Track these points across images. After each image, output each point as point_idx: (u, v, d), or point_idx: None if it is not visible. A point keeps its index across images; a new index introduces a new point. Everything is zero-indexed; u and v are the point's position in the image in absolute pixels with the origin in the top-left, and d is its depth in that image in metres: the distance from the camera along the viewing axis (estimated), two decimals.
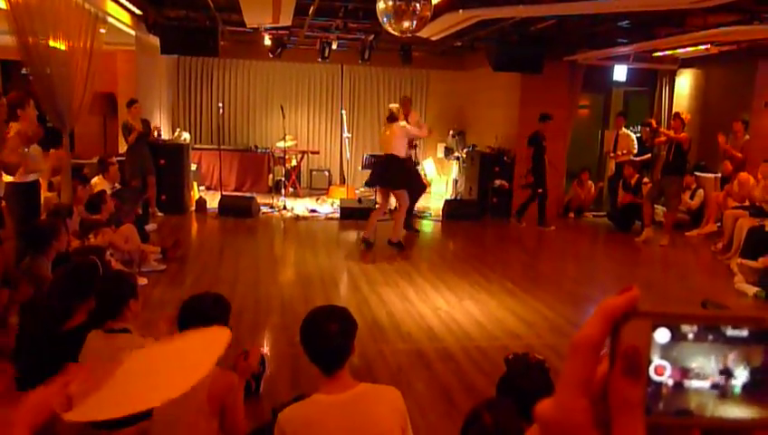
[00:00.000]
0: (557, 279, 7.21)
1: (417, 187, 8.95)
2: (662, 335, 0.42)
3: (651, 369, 0.42)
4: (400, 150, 7.93)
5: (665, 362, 0.42)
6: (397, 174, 7.92)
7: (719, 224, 9.00)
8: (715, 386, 0.41)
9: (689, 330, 0.42)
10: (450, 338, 5.13)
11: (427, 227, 10.03)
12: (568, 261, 8.39)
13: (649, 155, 10.32)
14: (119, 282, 3.06)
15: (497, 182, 10.75)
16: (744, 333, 0.41)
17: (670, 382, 0.41)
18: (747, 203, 8.50)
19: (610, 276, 7.76)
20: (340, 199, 10.78)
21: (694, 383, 0.41)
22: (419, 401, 3.94)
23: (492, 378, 4.38)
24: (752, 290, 6.60)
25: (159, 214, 9.39)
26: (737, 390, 0.41)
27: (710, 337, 0.41)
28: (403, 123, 8.08)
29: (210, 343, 0.95)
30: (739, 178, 8.75)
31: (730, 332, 0.41)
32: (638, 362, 0.41)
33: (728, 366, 0.41)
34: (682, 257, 8.51)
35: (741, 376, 0.41)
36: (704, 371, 0.41)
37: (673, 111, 10.81)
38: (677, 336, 0.42)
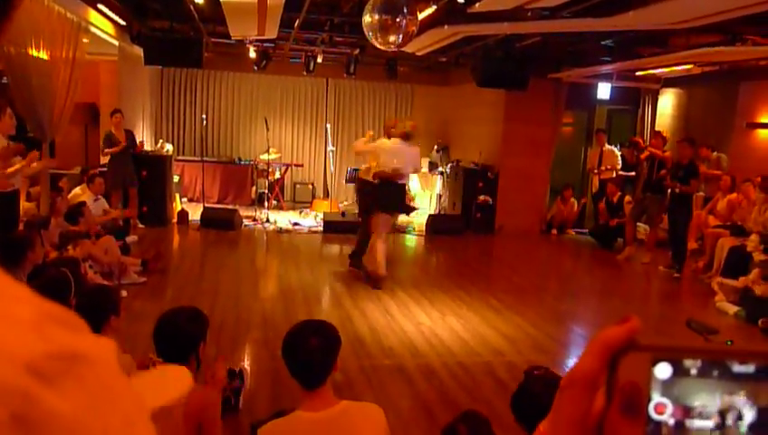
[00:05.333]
0: (540, 296, 7.21)
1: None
2: (663, 371, 0.38)
3: (651, 407, 0.38)
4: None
5: (666, 400, 0.38)
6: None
7: (700, 242, 9.07)
8: (718, 426, 0.38)
9: (692, 365, 0.38)
10: (432, 354, 5.09)
11: (410, 241, 10.01)
12: (551, 278, 8.40)
13: (634, 172, 10.42)
14: (100, 297, 2.98)
15: (481, 198, 10.78)
16: (752, 368, 0.38)
17: (671, 422, 0.38)
18: (729, 223, 8.58)
19: (593, 293, 7.77)
20: (324, 213, 10.74)
21: (696, 423, 0.38)
22: (402, 417, 3.89)
23: (474, 394, 4.35)
24: (732, 309, 6.63)
25: (141, 226, 9.27)
26: (743, 430, 0.38)
27: (714, 373, 0.38)
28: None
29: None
30: (729, 199, 8.84)
31: (737, 367, 0.38)
32: (637, 400, 0.38)
33: (734, 405, 0.38)
34: (664, 275, 8.54)
35: (747, 416, 0.38)
36: (707, 409, 0.38)
37: (654, 130, 10.97)
38: (679, 372, 0.38)
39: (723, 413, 0.38)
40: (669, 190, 8.33)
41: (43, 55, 6.46)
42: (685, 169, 8.12)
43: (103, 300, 2.94)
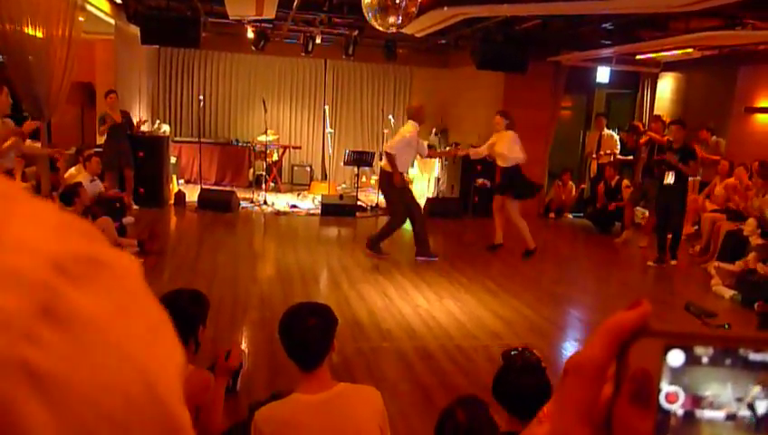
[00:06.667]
0: (537, 279, 7.22)
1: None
2: (676, 358, 0.37)
3: (662, 396, 0.37)
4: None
5: (678, 389, 0.37)
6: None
7: (697, 226, 9.09)
8: (730, 417, 0.36)
9: (704, 353, 0.37)
10: (430, 337, 5.11)
11: (409, 224, 9.99)
12: (548, 261, 8.40)
13: (632, 157, 10.41)
14: None
15: (479, 181, 10.75)
16: None
17: (680, 412, 0.36)
18: (726, 207, 8.59)
19: (590, 277, 7.80)
20: (322, 195, 10.71)
21: (707, 413, 0.36)
22: (399, 400, 3.91)
23: (471, 377, 4.37)
24: (728, 293, 6.66)
25: (135, 207, 9.16)
26: (755, 421, 0.36)
27: (727, 361, 0.36)
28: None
29: None
30: (726, 184, 8.83)
31: (752, 356, 0.36)
32: (648, 388, 0.36)
33: (746, 394, 0.36)
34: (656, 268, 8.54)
35: (761, 406, 0.36)
36: (718, 399, 0.36)
37: (653, 114, 10.93)
38: (691, 359, 0.37)
39: (734, 403, 0.36)
40: (663, 176, 7.83)
41: (39, 33, 6.39)
42: (680, 153, 7.71)
43: None
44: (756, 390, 0.36)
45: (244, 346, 4.63)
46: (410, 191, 7.98)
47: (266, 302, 5.68)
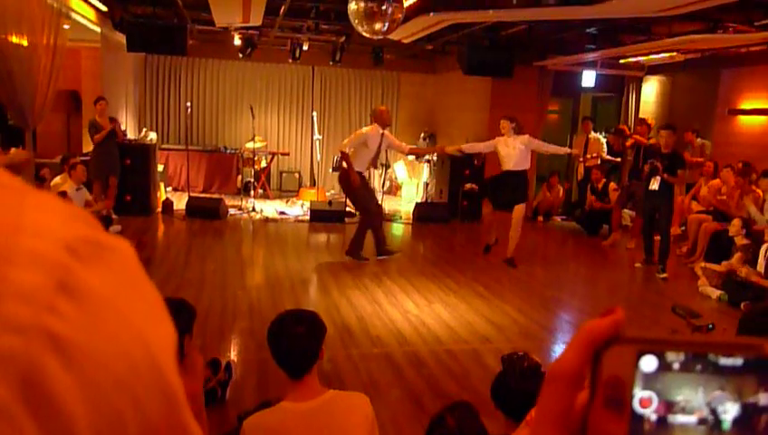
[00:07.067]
0: (527, 283, 7.25)
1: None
2: (648, 363, 0.38)
3: (636, 401, 0.38)
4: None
5: (651, 394, 0.38)
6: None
7: (683, 227, 9.16)
8: (702, 421, 0.37)
9: (675, 359, 0.38)
10: (420, 342, 5.11)
11: (398, 230, 10.01)
12: (537, 265, 8.44)
13: (619, 159, 10.48)
14: None
15: (468, 185, 10.78)
16: (739, 362, 0.37)
17: (653, 417, 0.38)
18: (712, 208, 8.67)
19: (579, 280, 7.83)
20: (311, 202, 10.70)
21: (679, 418, 0.38)
22: (389, 405, 3.91)
23: (461, 382, 4.38)
24: (715, 293, 6.72)
25: (114, 216, 8.63)
26: (727, 425, 0.37)
27: (698, 367, 0.38)
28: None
29: None
30: (711, 185, 8.91)
31: (723, 361, 0.37)
32: (621, 394, 0.38)
33: (717, 399, 0.37)
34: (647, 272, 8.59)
35: (731, 410, 0.37)
36: (690, 404, 0.37)
37: (639, 117, 11.03)
38: (664, 365, 0.38)
39: (706, 408, 0.37)
40: (649, 181, 7.64)
41: (24, 42, 6.36)
42: (669, 158, 7.57)
43: None
44: (717, 393, 0.37)
45: (233, 355, 4.61)
46: (371, 190, 8.13)
47: (255, 310, 5.66)
